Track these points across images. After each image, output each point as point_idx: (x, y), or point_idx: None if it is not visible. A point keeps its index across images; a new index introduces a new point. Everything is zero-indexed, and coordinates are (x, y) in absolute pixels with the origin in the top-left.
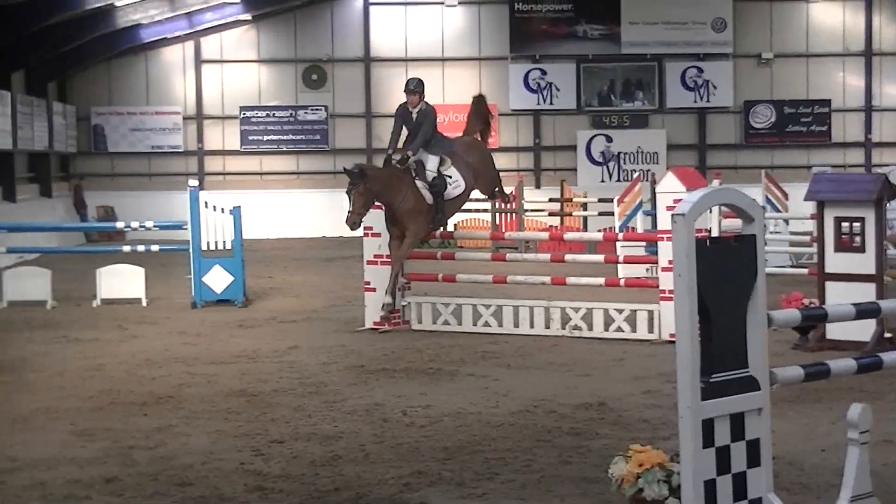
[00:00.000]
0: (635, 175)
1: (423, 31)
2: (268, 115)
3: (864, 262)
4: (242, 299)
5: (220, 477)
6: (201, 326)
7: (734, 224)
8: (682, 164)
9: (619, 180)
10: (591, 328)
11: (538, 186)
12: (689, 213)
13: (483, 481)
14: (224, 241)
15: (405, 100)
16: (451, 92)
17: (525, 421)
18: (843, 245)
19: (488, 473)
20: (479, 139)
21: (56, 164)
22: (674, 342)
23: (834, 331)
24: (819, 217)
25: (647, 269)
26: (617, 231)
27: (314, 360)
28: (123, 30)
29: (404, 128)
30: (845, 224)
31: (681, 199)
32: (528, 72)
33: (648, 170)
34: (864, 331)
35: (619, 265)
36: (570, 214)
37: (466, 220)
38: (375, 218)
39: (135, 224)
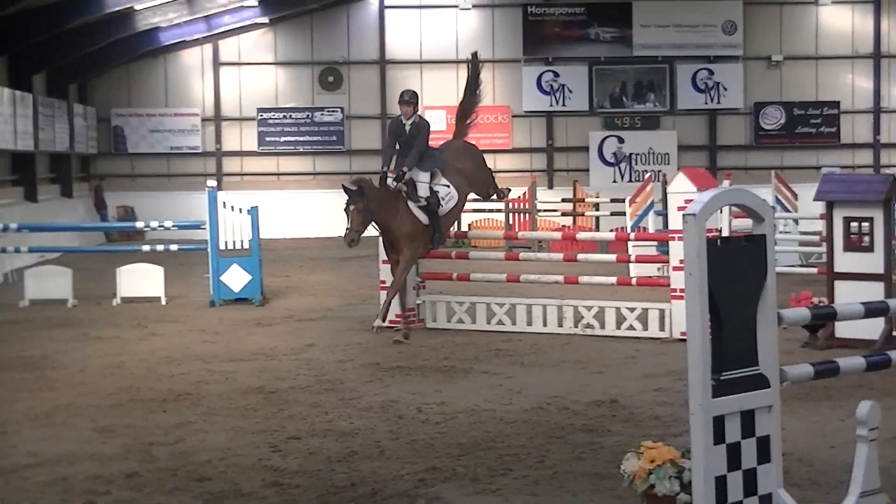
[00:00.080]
0: (647, 176)
1: (437, 33)
2: (284, 117)
3: (873, 262)
4: (260, 298)
5: (237, 472)
6: (219, 325)
7: (744, 224)
8: (692, 164)
9: (630, 181)
10: (603, 326)
11: (551, 187)
12: (700, 214)
13: (497, 477)
14: (242, 241)
15: (398, 113)
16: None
17: (538, 418)
18: (852, 245)
19: (502, 469)
20: (470, 144)
21: (77, 164)
22: (685, 340)
23: (843, 329)
24: (828, 217)
25: (659, 269)
26: (629, 231)
27: (330, 357)
28: (143, 33)
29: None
30: (854, 224)
31: (692, 200)
32: (541, 74)
33: (660, 170)
34: (872, 329)
35: (630, 264)
36: (583, 214)
37: (480, 219)
38: None
39: (154, 224)
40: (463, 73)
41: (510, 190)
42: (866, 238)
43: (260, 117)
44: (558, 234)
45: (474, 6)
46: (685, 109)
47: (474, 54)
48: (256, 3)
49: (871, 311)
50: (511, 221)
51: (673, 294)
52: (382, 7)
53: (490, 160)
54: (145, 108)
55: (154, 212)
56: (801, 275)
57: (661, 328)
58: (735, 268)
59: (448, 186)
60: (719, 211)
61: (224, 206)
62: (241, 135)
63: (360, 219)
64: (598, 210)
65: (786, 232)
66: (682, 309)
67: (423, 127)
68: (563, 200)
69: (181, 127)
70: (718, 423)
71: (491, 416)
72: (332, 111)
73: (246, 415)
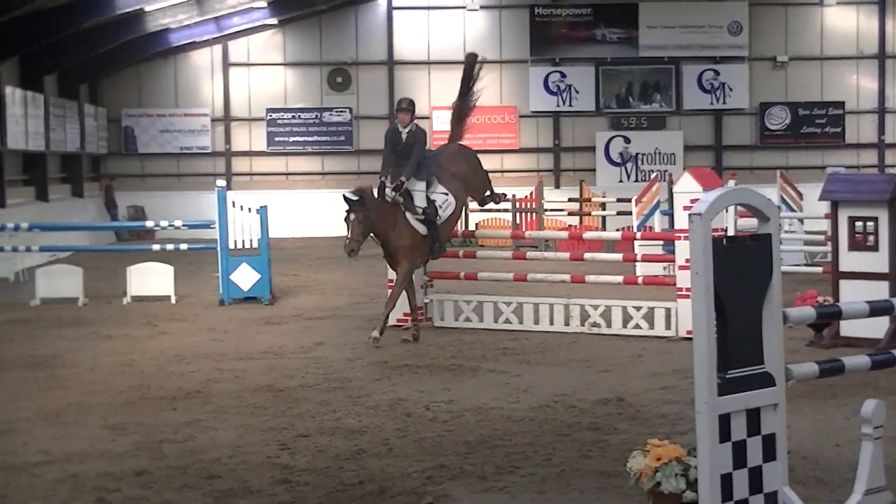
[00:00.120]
0: (653, 175)
1: (445, 34)
2: (293, 117)
3: (878, 261)
4: (269, 297)
5: (247, 470)
6: (229, 323)
7: (750, 223)
8: (698, 164)
9: (636, 181)
10: (609, 325)
11: (558, 186)
12: (706, 213)
13: (504, 475)
14: (251, 240)
15: (395, 121)
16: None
17: (545, 416)
18: (857, 244)
19: (509, 467)
20: (465, 147)
21: (87, 164)
22: (691, 339)
23: (848, 328)
24: (833, 217)
25: (665, 268)
26: (635, 230)
27: (339, 356)
28: (153, 34)
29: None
30: (859, 223)
31: (697, 199)
32: (548, 74)
33: (666, 170)
34: (877, 328)
35: (637, 263)
36: (589, 214)
37: (488, 219)
38: None
39: (164, 223)
40: None
41: (506, 195)
42: (871, 237)
43: (269, 117)
44: (565, 234)
45: (482, 7)
46: (691, 110)
47: (469, 55)
48: (266, 5)
49: (876, 309)
50: (518, 221)
51: (679, 293)
52: (390, 8)
53: (497, 160)
54: (155, 109)
55: (164, 211)
56: (806, 274)
57: (668, 327)
58: (741, 267)
59: (446, 194)
60: (725, 210)
61: (233, 206)
62: (251, 135)
63: (360, 229)
64: (604, 210)
65: (791, 231)
66: (688, 308)
67: (419, 136)
68: (570, 200)
69: (191, 127)
70: (724, 422)
71: (498, 414)
72: (341, 111)
73: (255, 413)
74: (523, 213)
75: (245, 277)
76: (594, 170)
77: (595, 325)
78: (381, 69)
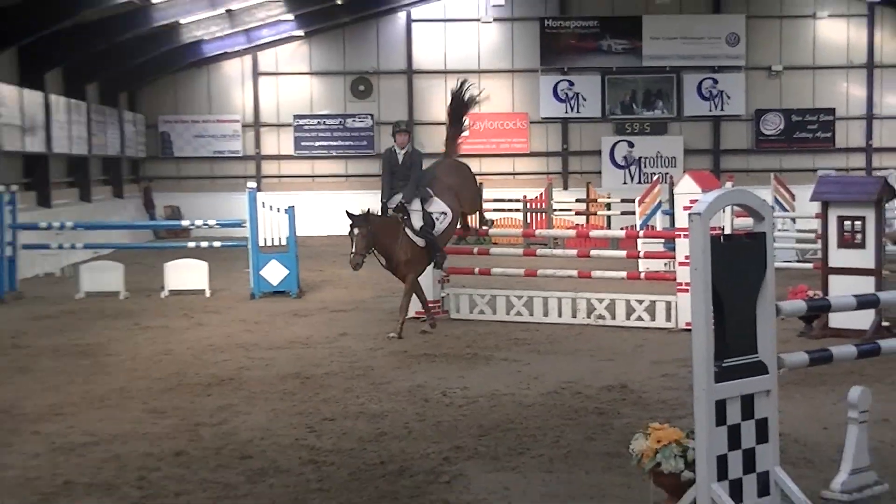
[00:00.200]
0: (655, 178)
1: (460, 45)
2: (319, 123)
3: (865, 258)
4: (297, 291)
5: (277, 451)
6: (259, 315)
7: (746, 222)
8: (697, 167)
9: (640, 182)
10: (613, 317)
11: (566, 188)
12: (705, 213)
13: (515, 456)
14: (280, 238)
15: (392, 143)
16: (486, 102)
17: (554, 401)
18: (846, 242)
19: (520, 449)
20: (460, 162)
21: (127, 167)
22: (690, 330)
23: (836, 320)
24: (823, 216)
25: (666, 264)
26: (638, 229)
27: (362, 346)
28: (187, 45)
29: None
30: (847, 223)
31: (697, 200)
32: (557, 83)
33: (667, 173)
34: (863, 320)
35: (639, 260)
36: (595, 213)
37: (500, 219)
38: None
39: (198, 222)
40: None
41: (493, 222)
42: (859, 236)
43: (296, 123)
44: (572, 232)
45: (495, 20)
46: (691, 116)
47: (461, 82)
48: (293, 18)
49: (863, 303)
50: (529, 220)
51: (679, 287)
52: (410, 21)
53: (509, 163)
54: (190, 115)
55: (198, 211)
56: (797, 270)
57: (668, 319)
58: (737, 263)
59: (443, 212)
60: (722, 210)
61: (263, 206)
62: (279, 139)
63: (363, 243)
64: (609, 210)
65: (784, 230)
66: (687, 301)
67: (416, 157)
68: (577, 200)
69: (223, 132)
70: (720, 407)
71: (510, 399)
72: (363, 118)
73: (284, 398)
74: (534, 213)
75: (274, 273)
76: (600, 172)
77: (600, 317)
78: (400, 78)
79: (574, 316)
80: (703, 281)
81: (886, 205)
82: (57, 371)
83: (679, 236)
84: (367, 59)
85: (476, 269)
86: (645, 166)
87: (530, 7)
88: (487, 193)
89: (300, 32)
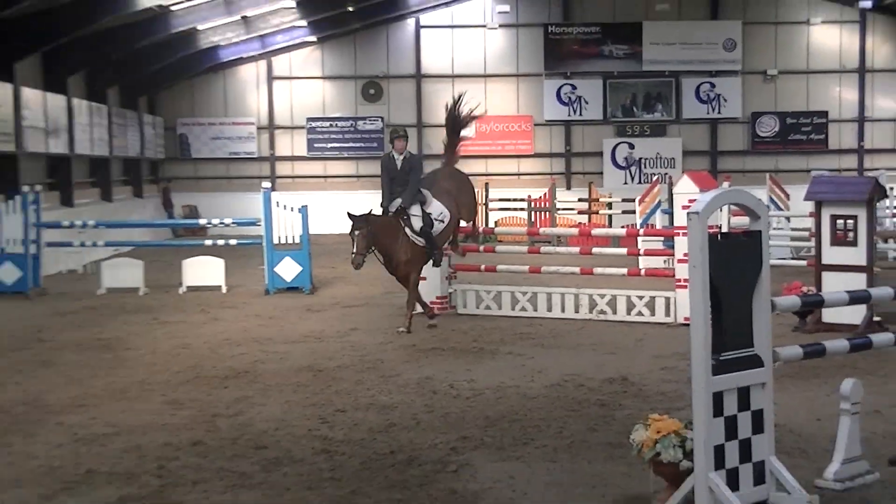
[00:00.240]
0: (654, 178)
1: (467, 50)
2: (331, 126)
3: (857, 255)
4: (310, 287)
5: (291, 441)
6: (274, 310)
7: (742, 221)
8: (696, 168)
9: (640, 182)
10: (615, 312)
11: (569, 188)
12: (703, 212)
13: (520, 446)
14: (293, 236)
15: (391, 149)
16: (493, 104)
17: (557, 394)
18: (838, 240)
19: (525, 439)
20: (459, 170)
21: (147, 168)
22: (688, 325)
23: (829, 315)
24: (817, 215)
25: (665, 261)
26: (638, 227)
27: (372, 340)
28: (204, 51)
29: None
30: (840, 221)
31: (695, 199)
32: (561, 87)
33: (666, 173)
34: (856, 315)
35: (640, 257)
36: (597, 212)
37: (506, 217)
38: None
39: (215, 221)
40: (491, 88)
41: (463, 253)
42: (851, 234)
43: (309, 126)
44: (575, 230)
45: (501, 26)
46: (689, 118)
47: (457, 99)
48: (306, 24)
49: (855, 298)
50: (533, 219)
51: (678, 283)
52: (418, 27)
53: (514, 164)
54: (207, 118)
55: (215, 210)
56: (792, 267)
57: (667, 314)
58: (734, 260)
59: (441, 214)
60: (720, 209)
61: (277, 206)
62: (293, 141)
63: (364, 243)
64: (610, 209)
65: (779, 228)
66: (685, 297)
67: (414, 162)
68: (580, 200)
69: (239, 134)
70: (718, 398)
71: (515, 392)
72: (374, 120)
73: (298, 390)
74: (538, 212)
75: (288, 269)
76: (602, 173)
77: (602, 312)
78: (409, 82)
79: (577, 311)
80: (701, 277)
81: (878, 204)
82: (79, 364)
83: (678, 234)
84: (377, 64)
85: (482, 266)
86: (645, 167)
87: (534, 13)
88: (493, 193)
89: (313, 38)
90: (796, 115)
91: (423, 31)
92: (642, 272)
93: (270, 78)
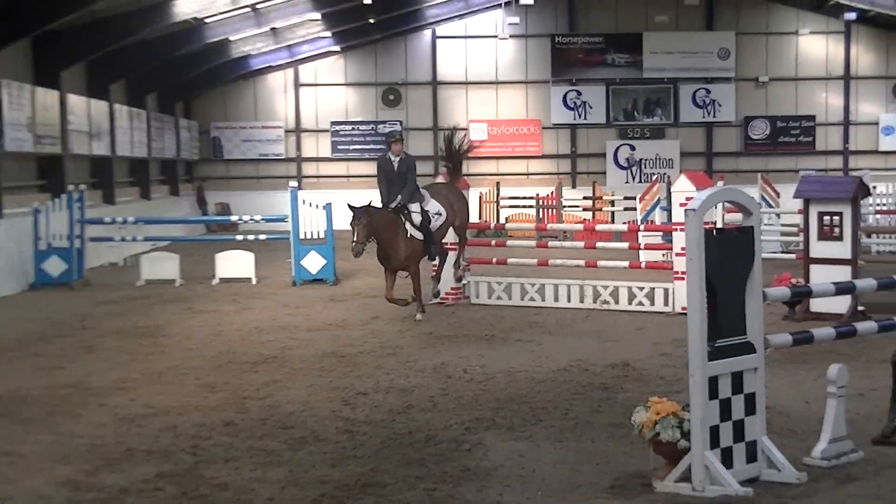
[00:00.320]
0: (654, 177)
1: (480, 59)
2: (353, 129)
3: (842, 249)
4: (333, 279)
5: (316, 422)
6: (300, 300)
7: (735, 218)
8: (692, 168)
9: (640, 182)
10: (617, 302)
11: (574, 187)
12: (699, 209)
13: (529, 426)
14: (318, 232)
15: (387, 152)
16: (503, 109)
17: (564, 378)
18: (825, 235)
19: (533, 420)
20: (458, 187)
21: (182, 169)
22: (685, 314)
23: (817, 305)
24: (805, 212)
25: (664, 255)
26: (639, 223)
27: (392, 328)
28: (236, 60)
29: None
30: (827, 217)
31: (692, 197)
32: (567, 93)
33: (665, 173)
34: (841, 305)
35: (640, 251)
36: (601, 209)
37: (516, 213)
38: None
39: (246, 217)
40: (502, 94)
41: (461, 276)
42: (837, 229)
43: (333, 129)
44: (580, 226)
45: (511, 36)
46: (686, 122)
47: (452, 130)
48: (330, 35)
49: (841, 289)
50: (541, 215)
51: (676, 275)
52: (434, 37)
53: (523, 164)
54: (238, 122)
55: (245, 207)
56: (782, 260)
57: (666, 304)
58: (728, 254)
59: (439, 213)
60: (715, 207)
61: (303, 203)
62: (318, 143)
63: (364, 232)
64: (613, 206)
65: (770, 224)
66: (683, 288)
67: (410, 163)
68: (585, 198)
69: (268, 137)
70: (713, 382)
71: (524, 376)
72: (393, 124)
73: (322, 374)
74: (545, 209)
75: (313, 263)
76: (605, 173)
77: (605, 302)
78: (426, 88)
79: (582, 301)
80: (697, 270)
81: (862, 201)
82: (120, 350)
83: (676, 230)
84: (396, 72)
85: (494, 260)
86: (645, 167)
87: (542, 25)
88: (504, 192)
89: (337, 48)
90: (786, 119)
91: (438, 41)
92: (643, 265)
93: (297, 85)
